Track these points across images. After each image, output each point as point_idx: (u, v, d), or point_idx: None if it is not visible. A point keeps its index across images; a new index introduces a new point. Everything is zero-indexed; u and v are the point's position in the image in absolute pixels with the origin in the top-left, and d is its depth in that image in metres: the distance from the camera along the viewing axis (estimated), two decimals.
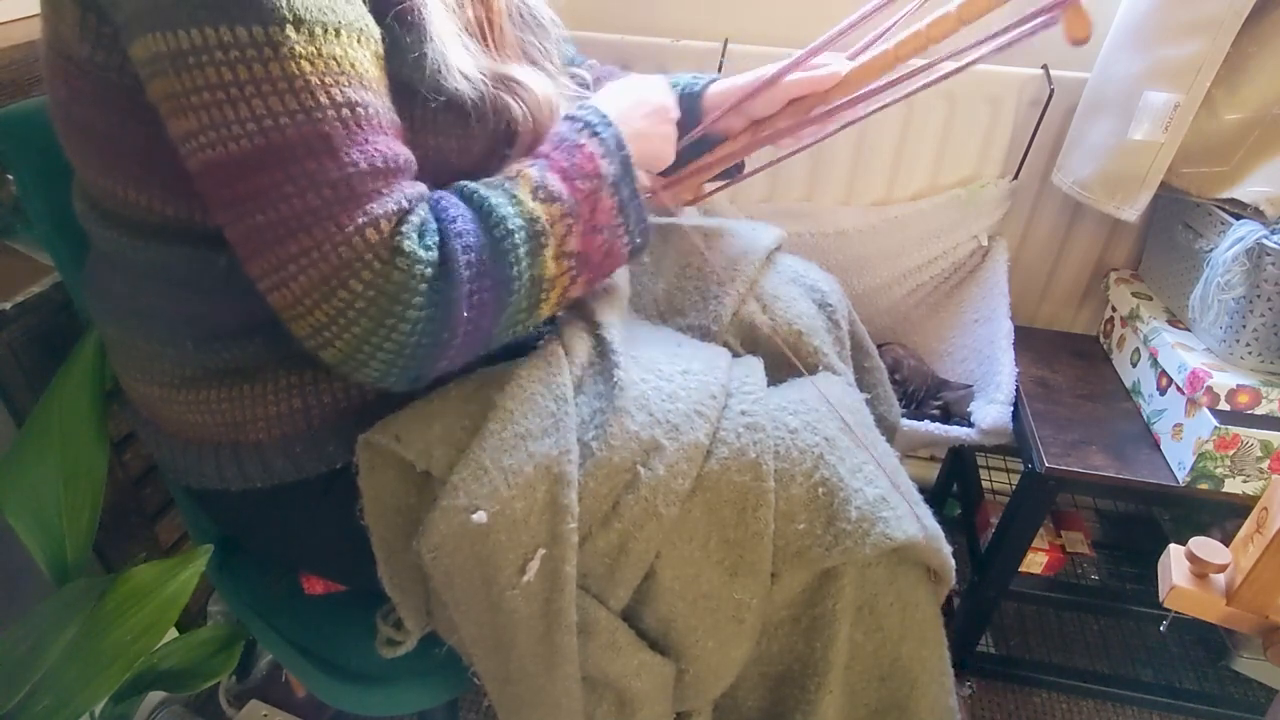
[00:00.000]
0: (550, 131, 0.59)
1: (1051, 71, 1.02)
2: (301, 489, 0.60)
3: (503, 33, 0.61)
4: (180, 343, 0.58)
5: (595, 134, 0.57)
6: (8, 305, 0.75)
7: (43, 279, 0.79)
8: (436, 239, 0.47)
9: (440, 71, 0.52)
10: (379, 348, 0.47)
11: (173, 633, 0.77)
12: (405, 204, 0.47)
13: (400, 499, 0.58)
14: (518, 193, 0.52)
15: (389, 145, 0.47)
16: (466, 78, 0.54)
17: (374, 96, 0.47)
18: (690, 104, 0.78)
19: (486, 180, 0.53)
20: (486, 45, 0.59)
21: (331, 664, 0.67)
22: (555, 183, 0.53)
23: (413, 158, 0.50)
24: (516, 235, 0.50)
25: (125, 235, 0.54)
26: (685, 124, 0.76)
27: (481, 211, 0.50)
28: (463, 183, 0.52)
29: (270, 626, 0.71)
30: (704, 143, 0.77)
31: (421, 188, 0.49)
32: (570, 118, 0.59)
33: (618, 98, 0.66)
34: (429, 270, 0.46)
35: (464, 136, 0.56)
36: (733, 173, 0.82)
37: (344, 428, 0.59)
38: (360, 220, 0.44)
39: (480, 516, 0.53)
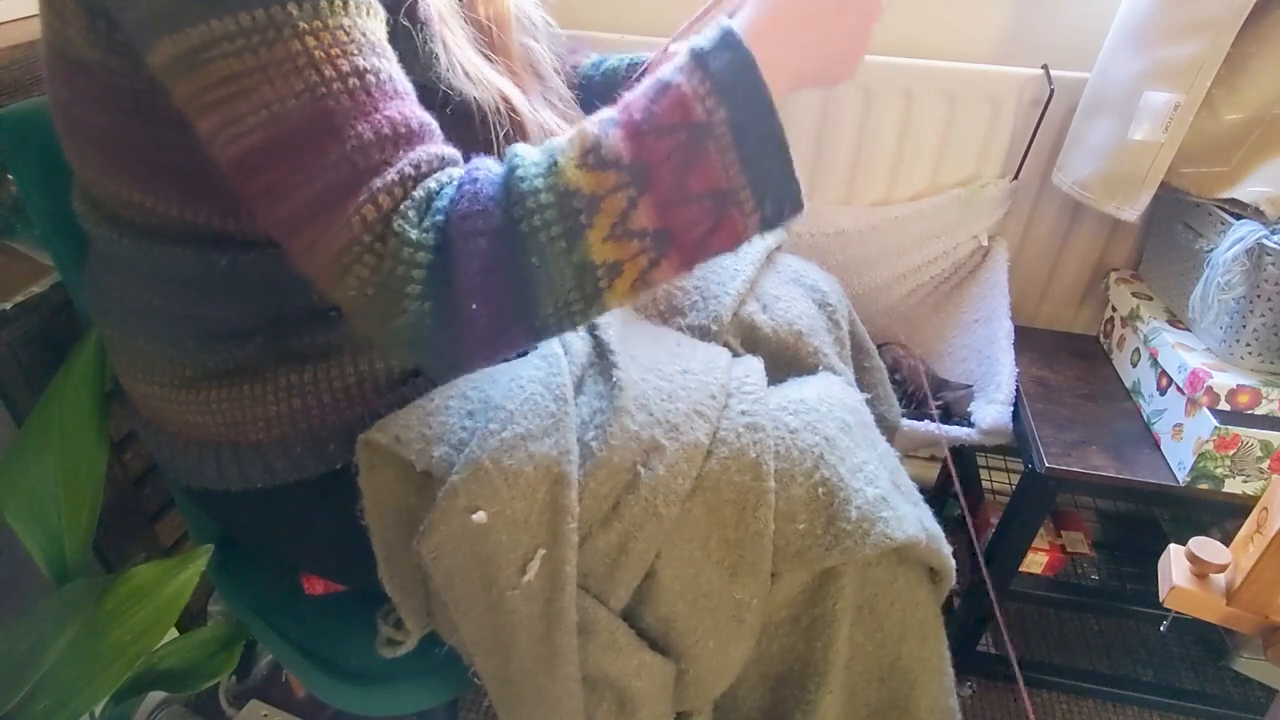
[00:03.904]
0: None
1: (1051, 71, 1.02)
2: (302, 489, 0.60)
3: (507, 38, 0.61)
4: (181, 343, 0.58)
5: (700, 65, 0.42)
6: (8, 305, 0.75)
7: (43, 279, 0.79)
8: (440, 219, 0.43)
9: (450, 70, 0.52)
10: (395, 335, 0.44)
11: (173, 633, 0.77)
12: (411, 171, 0.43)
13: (400, 499, 0.58)
14: (560, 159, 0.43)
15: (401, 110, 0.44)
16: (471, 79, 0.54)
17: (387, 63, 0.45)
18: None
19: (551, 140, 0.45)
20: (490, 49, 0.59)
21: (331, 664, 0.67)
22: (615, 143, 0.42)
23: (432, 122, 0.46)
24: (537, 216, 0.42)
25: (127, 236, 0.54)
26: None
27: (508, 185, 0.43)
28: (519, 145, 0.45)
29: (270, 626, 0.71)
30: None
31: (444, 152, 0.46)
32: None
33: None
34: (421, 255, 0.42)
35: (469, 140, 0.56)
36: None
37: (344, 428, 0.58)
38: (361, 198, 0.42)
39: (480, 517, 0.53)
